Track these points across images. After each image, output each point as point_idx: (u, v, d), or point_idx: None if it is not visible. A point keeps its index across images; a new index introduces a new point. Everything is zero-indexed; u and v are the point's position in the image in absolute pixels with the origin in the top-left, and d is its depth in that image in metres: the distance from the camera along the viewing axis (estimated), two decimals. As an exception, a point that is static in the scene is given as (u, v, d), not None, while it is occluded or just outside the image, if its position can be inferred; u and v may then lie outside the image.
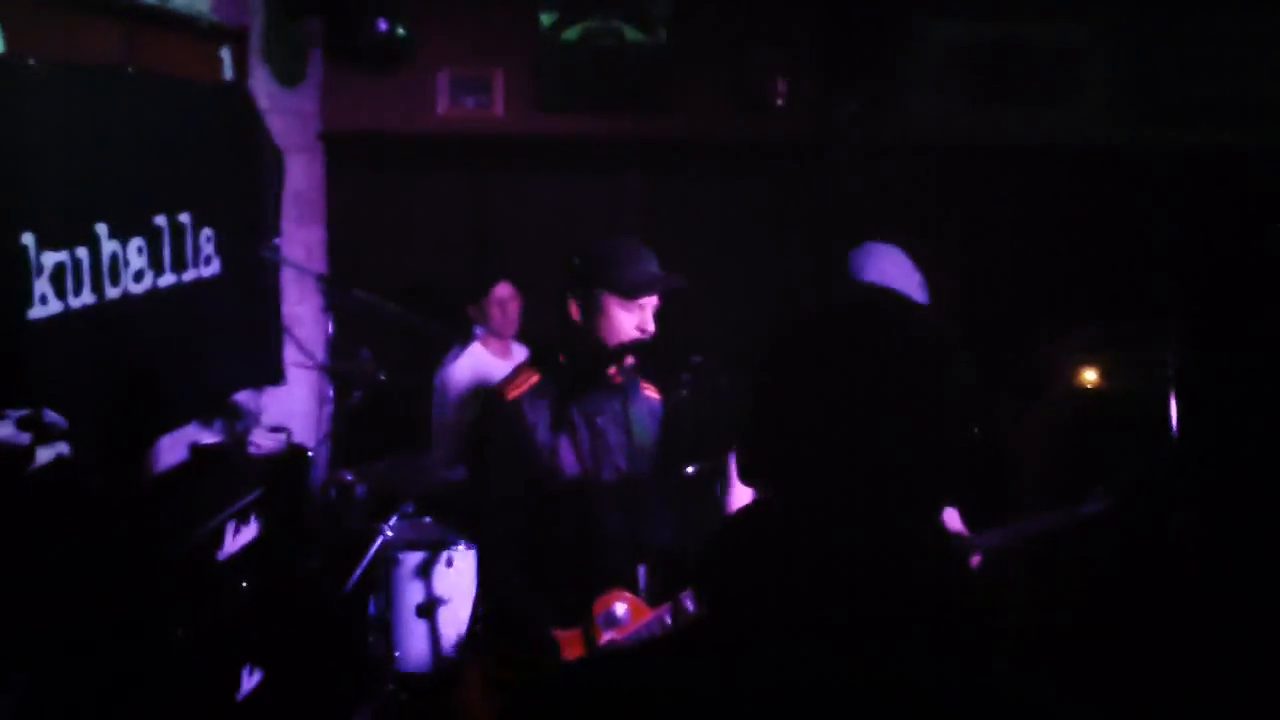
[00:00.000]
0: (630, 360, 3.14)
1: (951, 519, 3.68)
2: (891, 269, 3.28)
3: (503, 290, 5.40)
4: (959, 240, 5.99)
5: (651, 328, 3.12)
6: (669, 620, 3.12)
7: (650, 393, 3.35)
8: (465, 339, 5.39)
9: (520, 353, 5.36)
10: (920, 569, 1.31)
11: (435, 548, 4.73)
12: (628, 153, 6.40)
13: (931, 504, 1.39)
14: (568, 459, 3.15)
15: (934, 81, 6.35)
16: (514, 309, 5.43)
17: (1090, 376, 5.86)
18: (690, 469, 4.91)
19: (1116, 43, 6.33)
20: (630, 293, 3.08)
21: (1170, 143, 6.22)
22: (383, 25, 5.36)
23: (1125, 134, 6.28)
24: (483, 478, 3.19)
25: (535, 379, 3.18)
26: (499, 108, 6.40)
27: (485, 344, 5.40)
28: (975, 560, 3.52)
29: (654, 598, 3.23)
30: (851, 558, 1.31)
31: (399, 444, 5.41)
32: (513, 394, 3.15)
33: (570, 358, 3.16)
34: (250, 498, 4.26)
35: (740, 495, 3.54)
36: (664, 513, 3.35)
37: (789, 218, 6.34)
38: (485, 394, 3.29)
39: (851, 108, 6.30)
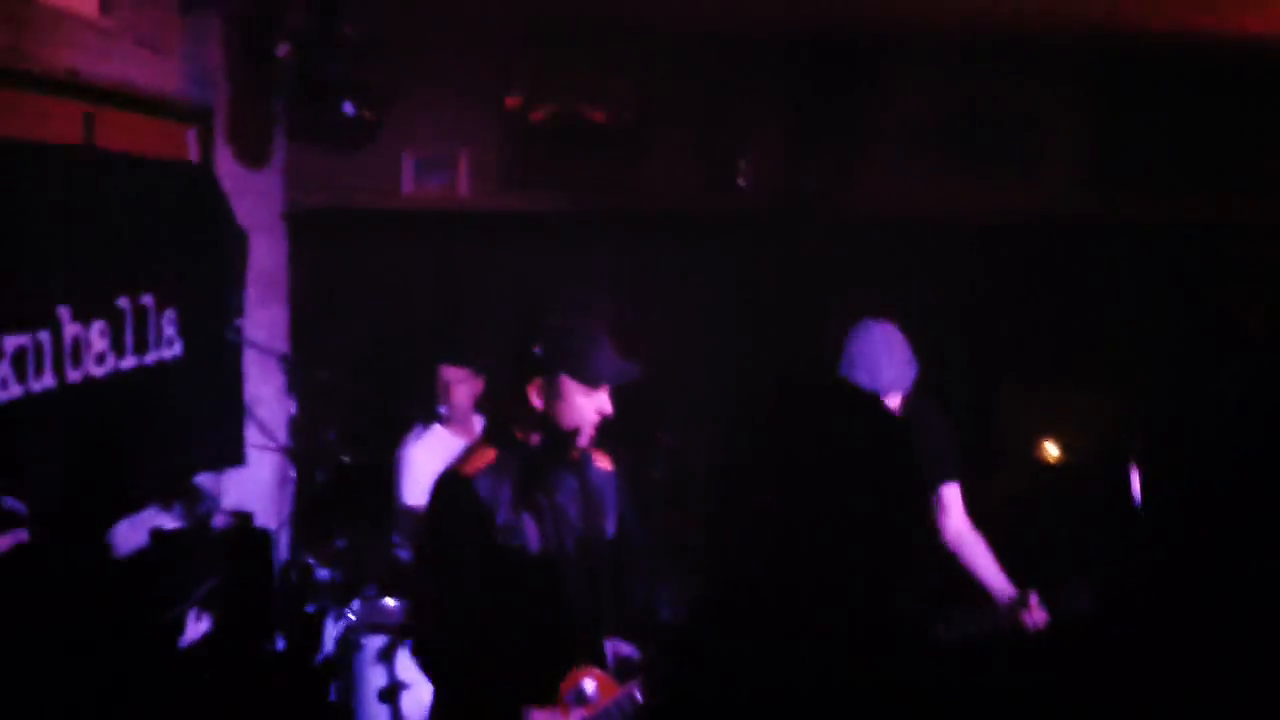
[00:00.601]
0: (589, 438, 3.17)
1: (954, 504, 3.90)
2: (873, 343, 3.50)
3: (447, 374, 5.35)
4: (923, 313, 5.83)
5: (610, 410, 3.14)
6: (639, 696, 3.11)
7: (603, 464, 3.35)
8: (429, 418, 5.34)
9: (484, 430, 5.33)
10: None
11: (398, 631, 4.65)
12: (594, 229, 6.40)
13: (887, 583, 1.40)
14: (530, 535, 3.13)
15: (898, 153, 6.37)
16: (462, 393, 5.38)
17: (1052, 451, 5.87)
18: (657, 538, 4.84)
19: (1081, 114, 6.36)
20: (594, 383, 3.11)
21: (1135, 216, 6.23)
22: (349, 109, 5.35)
23: (1090, 206, 6.28)
24: (438, 555, 3.17)
25: (492, 456, 3.17)
26: (464, 186, 6.41)
27: (449, 424, 5.35)
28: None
29: (622, 674, 3.22)
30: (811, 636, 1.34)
31: (362, 524, 5.34)
32: (468, 471, 3.14)
33: (528, 436, 3.17)
34: (211, 584, 4.20)
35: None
36: (631, 585, 3.35)
37: (755, 291, 6.33)
38: (443, 471, 3.27)
39: (815, 181, 6.33)
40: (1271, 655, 4.35)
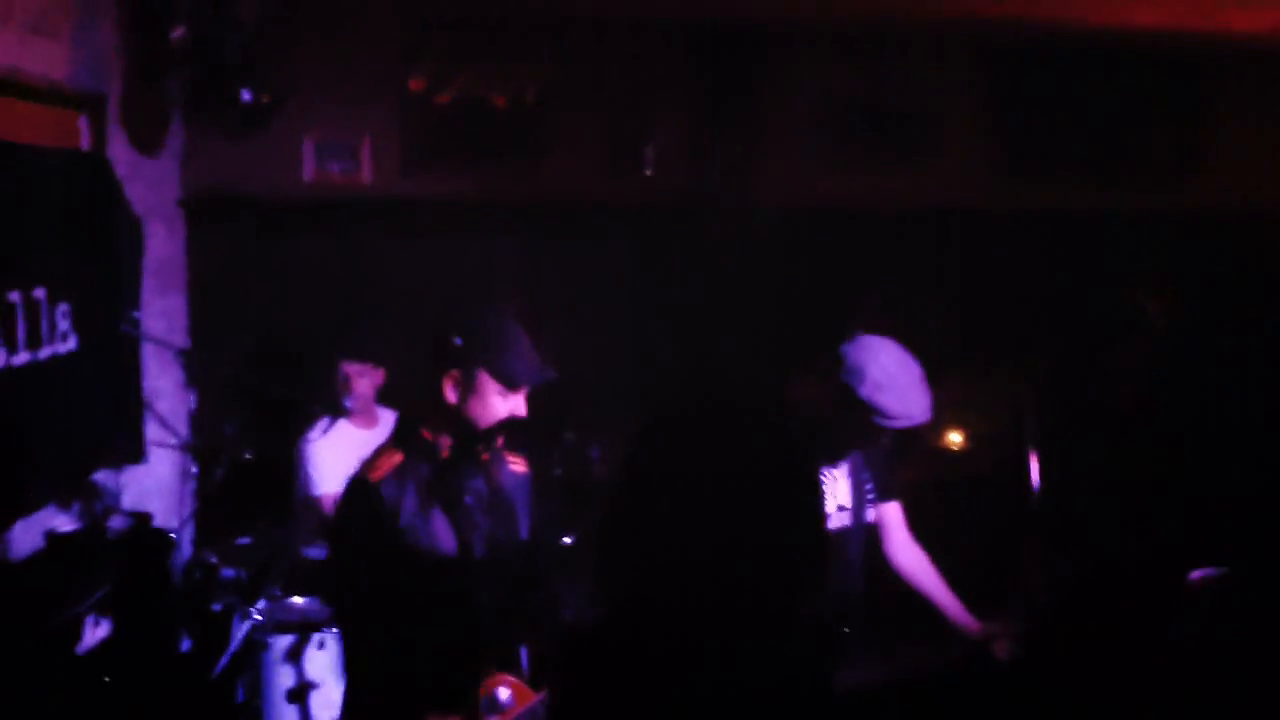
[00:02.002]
0: (500, 440, 3.14)
1: (896, 525, 3.78)
2: (892, 365, 3.30)
3: (347, 366, 5.28)
4: (826, 301, 5.99)
5: (523, 412, 3.10)
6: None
7: (517, 465, 3.31)
8: (334, 411, 5.24)
9: (389, 421, 5.24)
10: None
11: (305, 630, 4.58)
12: (500, 215, 6.33)
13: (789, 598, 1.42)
14: (440, 540, 3.09)
15: (802, 143, 6.42)
16: (364, 385, 5.31)
17: (954, 438, 5.94)
18: (567, 539, 4.87)
19: (979, 105, 6.46)
20: (514, 385, 3.06)
21: (1034, 204, 6.34)
22: (247, 94, 5.21)
23: (989, 195, 6.40)
24: (346, 563, 3.13)
25: (398, 459, 3.11)
26: (367, 172, 6.31)
27: (353, 416, 5.28)
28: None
29: (537, 679, 3.18)
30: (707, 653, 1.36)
31: (266, 521, 5.24)
32: (375, 476, 3.08)
33: (437, 436, 3.11)
34: (110, 587, 4.09)
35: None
36: (542, 588, 3.33)
37: (663, 280, 6.33)
38: (350, 477, 3.19)
39: (719, 170, 6.34)
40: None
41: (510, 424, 3.09)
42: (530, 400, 3.12)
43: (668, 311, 6.24)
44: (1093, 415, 5.68)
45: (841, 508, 3.57)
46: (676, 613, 1.40)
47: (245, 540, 5.06)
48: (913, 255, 6.22)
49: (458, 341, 3.05)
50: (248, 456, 5.10)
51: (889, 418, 3.30)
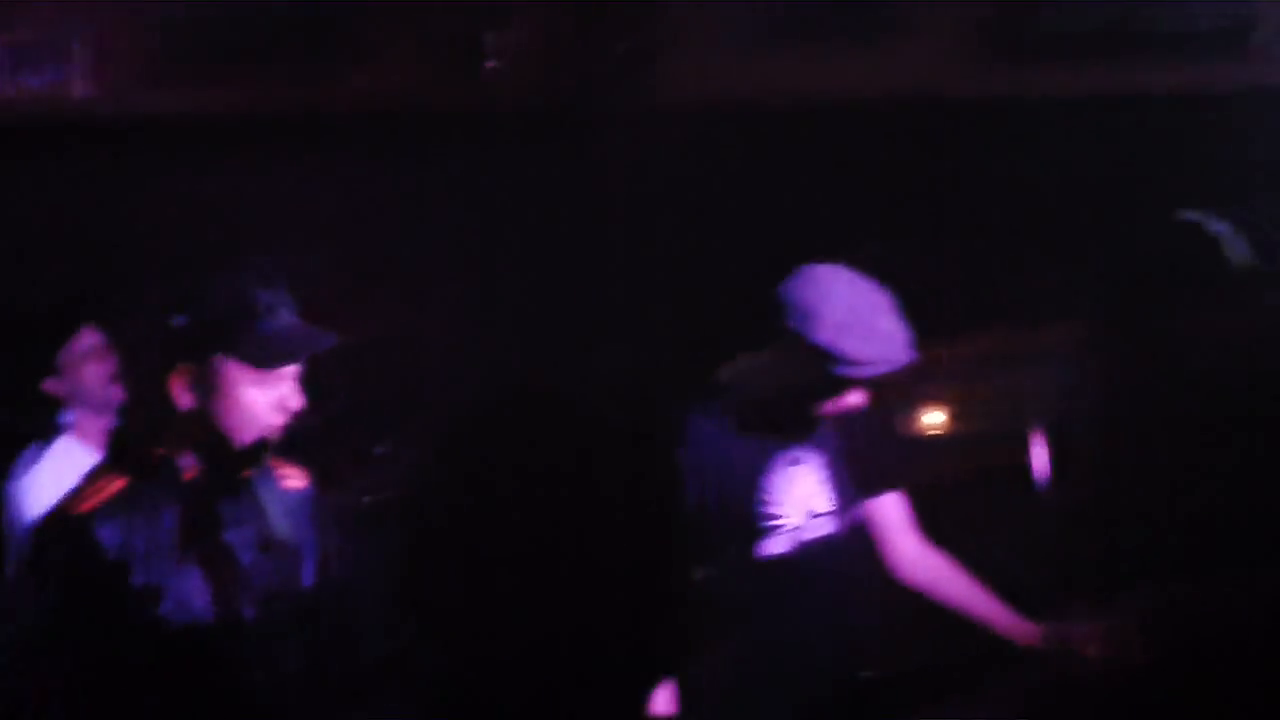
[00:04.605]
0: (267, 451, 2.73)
1: (896, 522, 3.39)
2: (852, 297, 3.04)
3: (85, 341, 4.19)
4: (762, 221, 4.89)
5: (297, 403, 2.70)
6: None
7: (293, 480, 2.88)
8: (47, 431, 4.13)
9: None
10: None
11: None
12: (277, 139, 5.07)
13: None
14: (190, 597, 2.67)
15: (720, 25, 5.35)
16: (94, 375, 4.18)
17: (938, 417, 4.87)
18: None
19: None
20: (267, 362, 2.65)
21: (1031, 89, 5.38)
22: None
23: (974, 80, 5.40)
24: (46, 640, 2.64)
25: (120, 485, 2.68)
26: (84, 86, 5.00)
27: (80, 433, 4.14)
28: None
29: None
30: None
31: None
32: (83, 509, 2.66)
33: (174, 453, 2.72)
34: None
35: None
36: (354, 636, 2.94)
37: (521, 213, 5.18)
38: (41, 515, 2.81)
39: (601, 66, 5.15)
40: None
41: (283, 425, 2.72)
42: (320, 393, 2.78)
43: (525, 261, 5.15)
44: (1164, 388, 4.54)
45: (815, 513, 3.23)
46: (493, 637, 1.42)
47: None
48: (876, 154, 5.09)
49: (179, 322, 2.65)
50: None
51: (858, 365, 2.98)
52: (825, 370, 2.99)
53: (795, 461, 3.21)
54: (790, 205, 4.86)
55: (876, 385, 3.06)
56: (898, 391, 4.32)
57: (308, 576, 2.84)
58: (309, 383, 2.66)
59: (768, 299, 3.06)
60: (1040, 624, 3.37)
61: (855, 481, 3.32)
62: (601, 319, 4.85)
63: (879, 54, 5.31)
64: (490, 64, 5.09)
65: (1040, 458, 4.25)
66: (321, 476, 2.91)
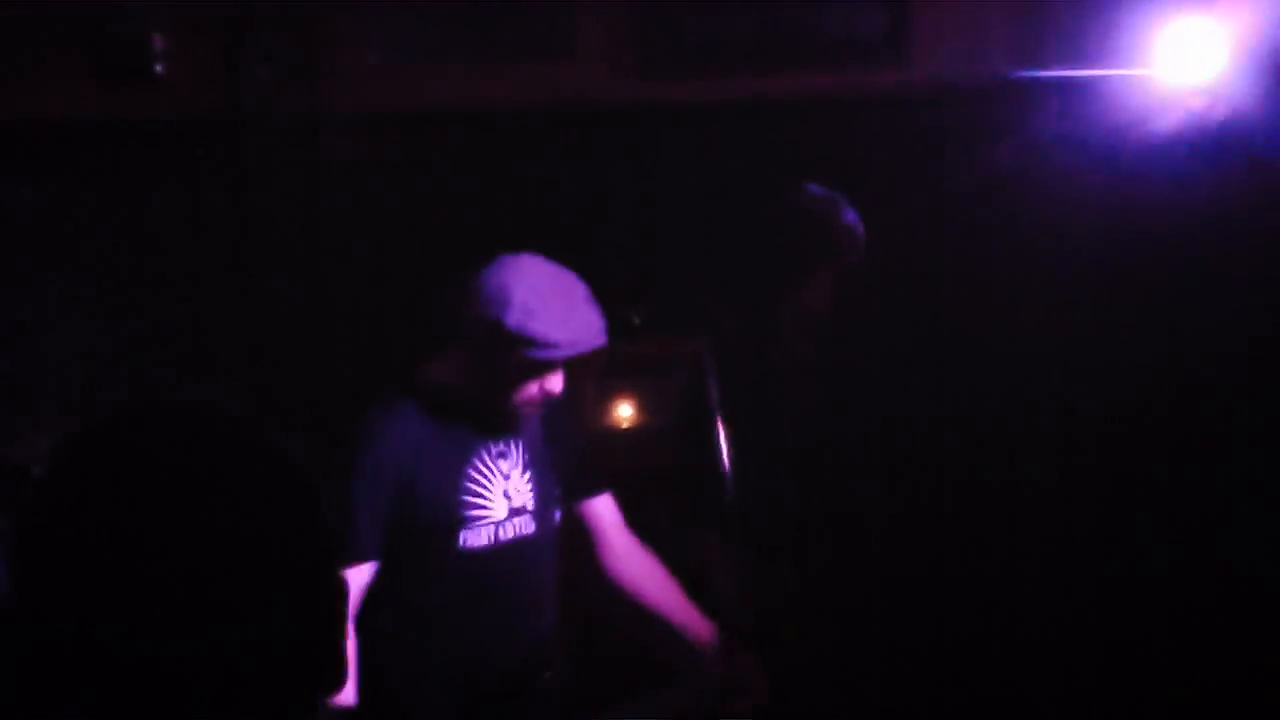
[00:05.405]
0: None
1: (609, 521, 3.30)
2: (546, 282, 2.96)
3: None
4: (420, 228, 4.73)
5: None
6: None
7: None
8: None
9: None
10: None
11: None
12: None
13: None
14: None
15: (381, 36, 5.07)
16: None
17: (625, 412, 4.58)
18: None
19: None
20: None
21: (679, 98, 5.13)
22: None
23: (623, 90, 5.15)
24: None
25: None
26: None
27: None
28: None
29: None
30: None
31: None
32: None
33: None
34: None
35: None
36: None
37: (196, 224, 4.81)
38: None
39: (266, 72, 4.80)
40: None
41: None
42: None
43: (192, 266, 4.77)
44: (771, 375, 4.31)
45: (517, 510, 3.10)
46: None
47: None
48: (537, 164, 4.93)
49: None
50: None
51: (550, 348, 2.90)
52: (518, 354, 2.93)
53: (501, 455, 3.13)
54: (453, 214, 4.78)
55: (572, 372, 3.02)
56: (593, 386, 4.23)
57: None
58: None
59: (453, 290, 3.00)
60: (721, 635, 3.29)
61: (566, 481, 3.25)
62: (268, 328, 4.66)
63: (539, 67, 5.16)
64: (157, 67, 4.80)
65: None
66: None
